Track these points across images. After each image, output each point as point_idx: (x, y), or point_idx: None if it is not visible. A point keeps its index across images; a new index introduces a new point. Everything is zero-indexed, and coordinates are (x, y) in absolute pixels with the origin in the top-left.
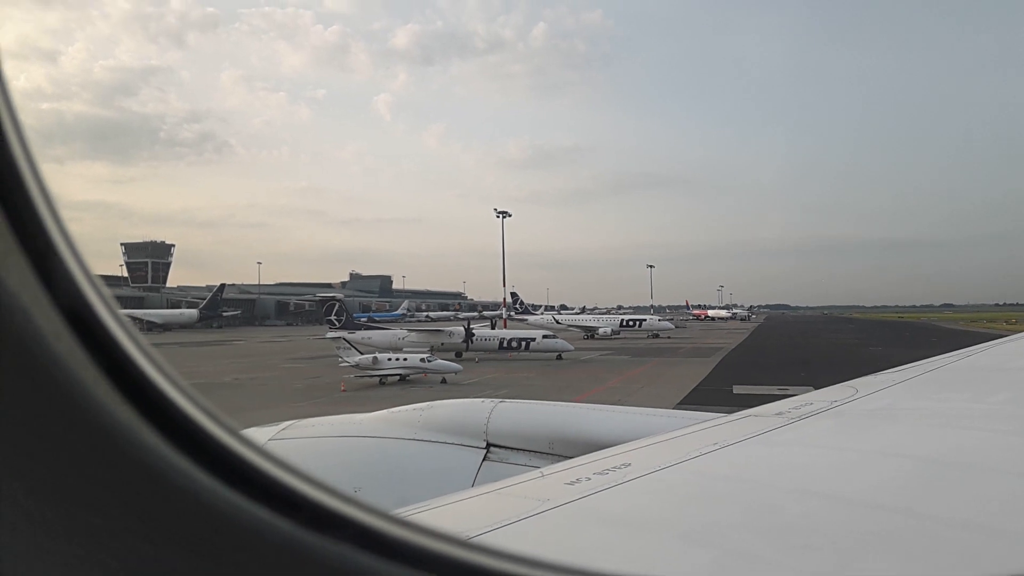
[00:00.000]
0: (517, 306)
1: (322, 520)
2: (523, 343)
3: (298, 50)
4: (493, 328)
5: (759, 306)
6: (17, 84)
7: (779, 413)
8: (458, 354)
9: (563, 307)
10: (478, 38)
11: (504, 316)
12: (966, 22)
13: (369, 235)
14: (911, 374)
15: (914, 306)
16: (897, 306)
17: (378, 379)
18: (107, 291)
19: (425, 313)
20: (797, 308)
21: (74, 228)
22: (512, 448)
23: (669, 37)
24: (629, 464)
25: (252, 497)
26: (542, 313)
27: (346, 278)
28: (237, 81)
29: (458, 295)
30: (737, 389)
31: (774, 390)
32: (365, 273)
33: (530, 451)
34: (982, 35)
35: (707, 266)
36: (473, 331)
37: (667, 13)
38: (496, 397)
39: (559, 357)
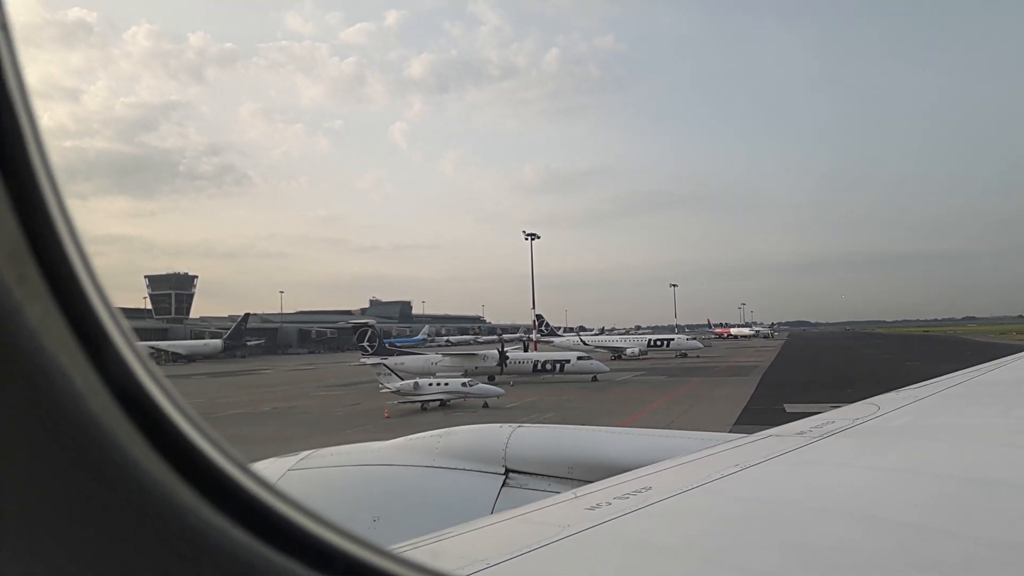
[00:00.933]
0: (543, 328)
1: (332, 562)
2: (557, 365)
3: (315, 82)
4: (526, 351)
5: (779, 323)
6: (43, 123)
7: (801, 432)
8: (491, 377)
9: (582, 328)
10: (492, 65)
11: (534, 338)
12: (1007, 25)
13: (387, 262)
14: (933, 390)
15: (936, 320)
16: (918, 320)
17: (420, 405)
18: (127, 324)
19: (445, 338)
20: (817, 324)
21: (98, 262)
22: (531, 474)
23: (682, 57)
24: (650, 488)
25: (260, 536)
26: (566, 334)
27: (365, 304)
28: (255, 114)
29: (477, 319)
30: (789, 408)
31: (827, 407)
32: (385, 299)
33: (549, 476)
34: (1008, 45)
35: (724, 284)
36: (507, 354)
37: (679, 33)
38: (538, 422)
39: (594, 379)
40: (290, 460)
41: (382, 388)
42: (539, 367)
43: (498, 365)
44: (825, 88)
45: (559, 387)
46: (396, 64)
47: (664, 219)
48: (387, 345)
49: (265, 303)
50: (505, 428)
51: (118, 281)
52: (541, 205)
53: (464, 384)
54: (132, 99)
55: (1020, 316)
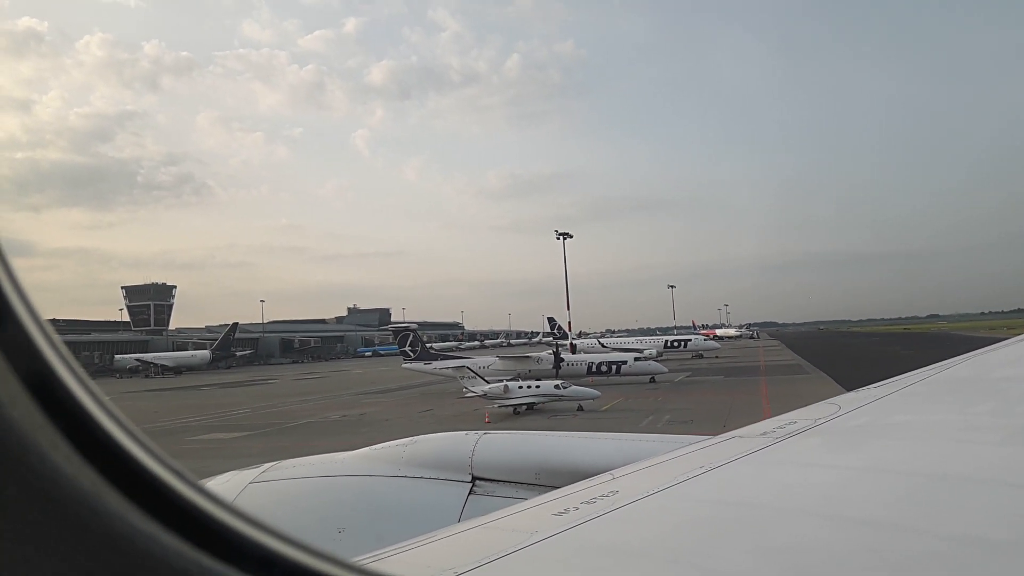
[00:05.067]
0: (555, 331)
1: (275, 570)
2: (613, 367)
3: (274, 90)
4: (558, 355)
5: (749, 324)
6: None
7: (764, 433)
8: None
9: (580, 333)
10: (453, 72)
11: (569, 342)
12: (933, 29)
13: (352, 270)
14: (892, 389)
15: (900, 318)
16: (884, 319)
17: (512, 409)
18: (53, 331)
19: (429, 345)
20: (786, 325)
21: (55, 275)
22: (498, 481)
23: (642, 62)
24: (617, 491)
25: (207, 550)
26: (580, 339)
27: (338, 313)
28: (214, 122)
29: (456, 325)
30: None
31: None
32: (362, 307)
33: (517, 483)
34: (965, 48)
35: (690, 286)
36: (563, 357)
37: (637, 38)
38: (652, 428)
39: (652, 380)
40: (251, 473)
41: (467, 392)
42: (594, 369)
43: (554, 368)
44: (785, 91)
45: (629, 389)
46: (356, 71)
47: (631, 223)
48: (371, 353)
49: (227, 314)
50: (471, 435)
51: (76, 295)
52: (508, 211)
53: (557, 386)
54: (86, 109)
55: (983, 313)
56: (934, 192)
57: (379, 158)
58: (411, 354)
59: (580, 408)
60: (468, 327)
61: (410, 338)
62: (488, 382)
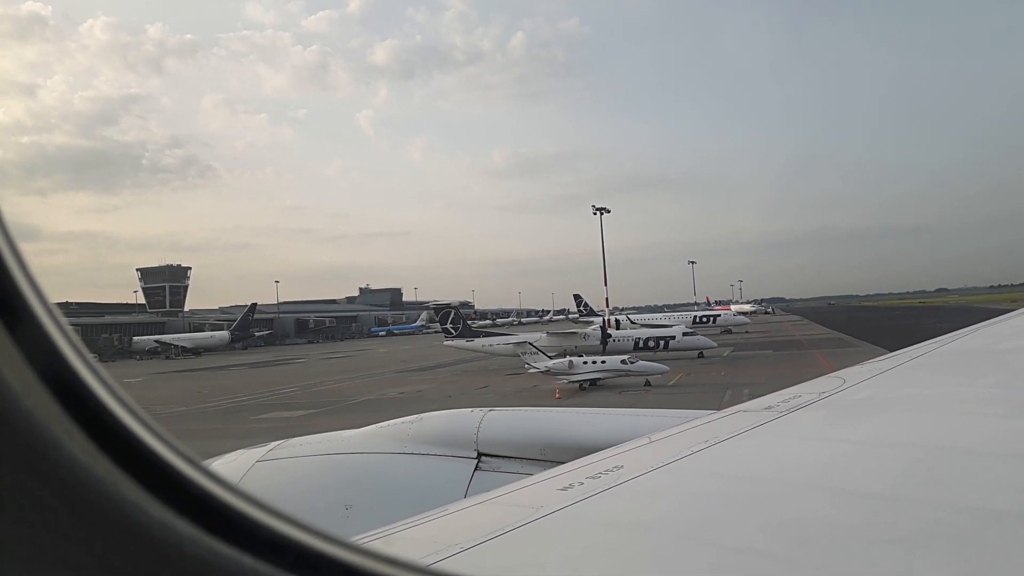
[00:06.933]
0: (581, 308)
1: (283, 553)
2: (661, 342)
3: (278, 71)
4: (605, 332)
5: (758, 300)
6: None
7: (768, 407)
8: None
9: (568, 312)
10: (457, 51)
11: (607, 318)
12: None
13: (357, 250)
14: (898, 361)
15: (908, 292)
16: (891, 293)
17: (578, 385)
18: (58, 311)
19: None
20: (793, 301)
21: (60, 260)
22: (504, 457)
23: (648, 40)
24: (621, 466)
25: (220, 536)
26: (595, 316)
27: (344, 294)
28: (218, 105)
29: (467, 304)
30: None
31: None
32: (374, 287)
33: (522, 459)
34: (971, 23)
35: (698, 263)
36: (610, 333)
37: (642, 16)
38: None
39: (700, 355)
40: (259, 451)
41: (529, 368)
42: (642, 344)
43: (601, 343)
44: (793, 67)
45: (682, 364)
46: (360, 51)
47: (636, 201)
48: (385, 332)
49: (235, 295)
50: (476, 412)
51: (84, 277)
52: (512, 190)
53: (624, 361)
54: (91, 93)
55: (991, 287)
56: (941, 167)
57: (383, 138)
58: (452, 331)
59: (648, 383)
60: (478, 307)
61: (451, 315)
62: (551, 357)
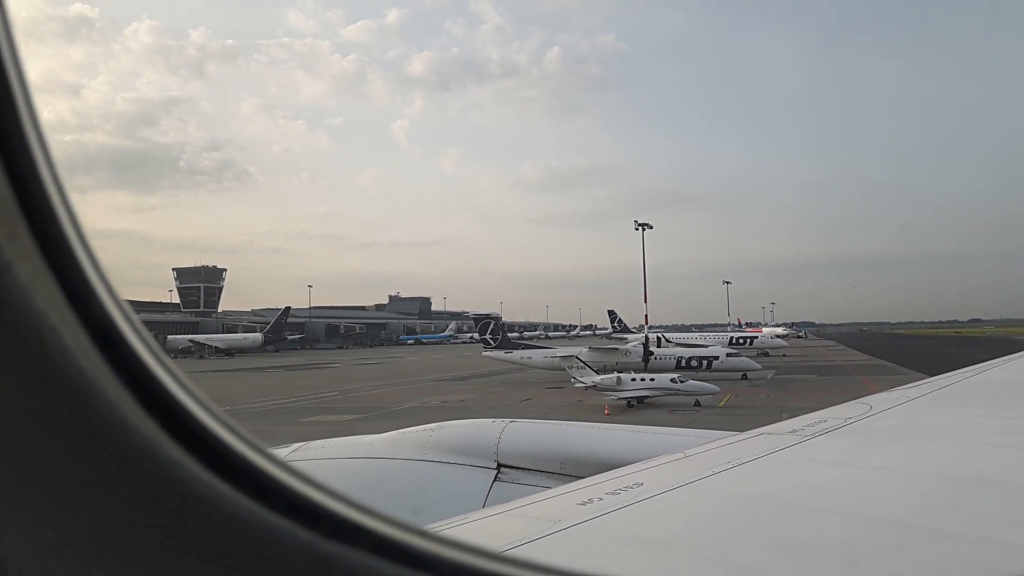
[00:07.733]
0: (615, 324)
1: (341, 529)
2: (704, 362)
3: (316, 79)
4: (647, 350)
5: (791, 324)
6: (43, 116)
7: (793, 431)
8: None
9: (595, 328)
10: (493, 64)
11: (655, 335)
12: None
13: (387, 258)
14: (926, 390)
15: (940, 321)
16: (923, 322)
17: (626, 402)
18: (131, 310)
19: (469, 335)
20: (824, 325)
21: (98, 256)
22: (523, 469)
23: (683, 58)
24: (641, 484)
25: (274, 509)
26: (639, 333)
27: (373, 301)
28: (256, 110)
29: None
30: None
31: None
32: (404, 296)
33: (541, 471)
34: (1007, 48)
35: (719, 283)
36: (652, 351)
37: (678, 33)
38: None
39: (744, 377)
40: (281, 452)
41: (574, 383)
42: (684, 364)
43: (643, 361)
44: (824, 89)
45: (730, 386)
46: (397, 62)
47: (663, 217)
48: (413, 341)
49: (266, 298)
50: (498, 423)
51: (119, 276)
52: (542, 203)
53: (673, 380)
54: (133, 94)
55: None
56: (975, 194)
57: (417, 148)
58: (491, 342)
59: (697, 403)
60: (505, 319)
61: (491, 326)
62: (597, 372)
